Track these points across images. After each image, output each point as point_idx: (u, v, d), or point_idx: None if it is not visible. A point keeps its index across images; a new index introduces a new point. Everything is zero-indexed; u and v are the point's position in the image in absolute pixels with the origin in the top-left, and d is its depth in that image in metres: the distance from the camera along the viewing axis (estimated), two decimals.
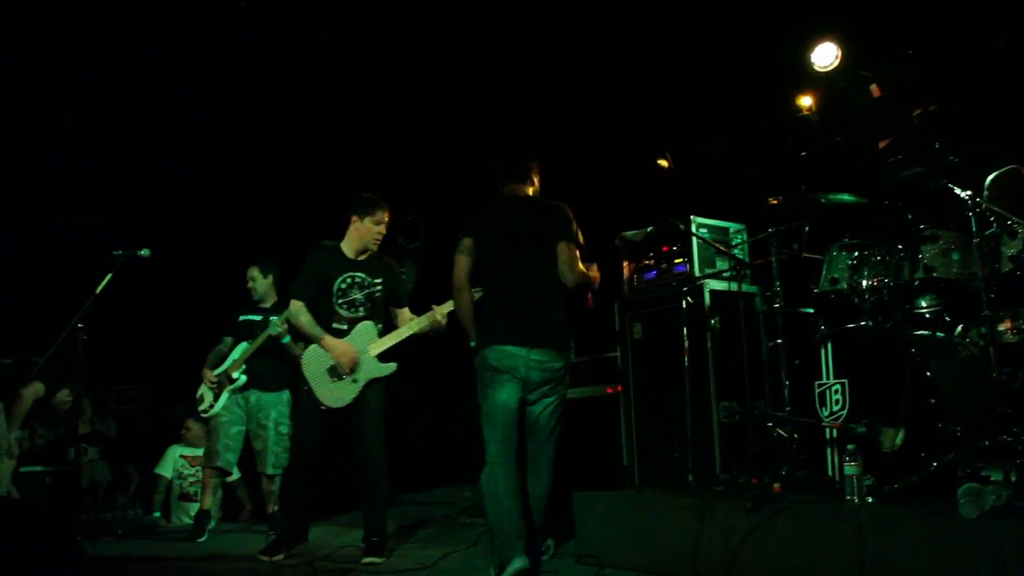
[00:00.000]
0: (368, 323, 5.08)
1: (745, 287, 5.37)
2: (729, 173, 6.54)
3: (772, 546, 3.60)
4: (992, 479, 3.40)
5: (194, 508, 7.45)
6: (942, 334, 4.17)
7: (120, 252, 5.40)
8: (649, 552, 4.16)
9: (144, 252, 5.60)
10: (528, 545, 4.03)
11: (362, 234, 5.15)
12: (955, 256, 4.16)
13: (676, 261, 5.83)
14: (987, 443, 3.52)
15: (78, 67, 6.89)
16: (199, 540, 5.98)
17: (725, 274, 5.57)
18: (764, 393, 4.75)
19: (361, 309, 5.10)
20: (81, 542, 5.50)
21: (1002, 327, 4.05)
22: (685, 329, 5.12)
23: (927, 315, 4.30)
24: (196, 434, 7.64)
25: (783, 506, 3.68)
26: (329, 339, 5.00)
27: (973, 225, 3.79)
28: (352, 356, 4.99)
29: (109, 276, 5.28)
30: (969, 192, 3.81)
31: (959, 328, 4.25)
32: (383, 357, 5.10)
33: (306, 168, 8.48)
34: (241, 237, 8.12)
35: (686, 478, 4.82)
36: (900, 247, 4.29)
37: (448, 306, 4.92)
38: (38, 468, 6.61)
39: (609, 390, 6.18)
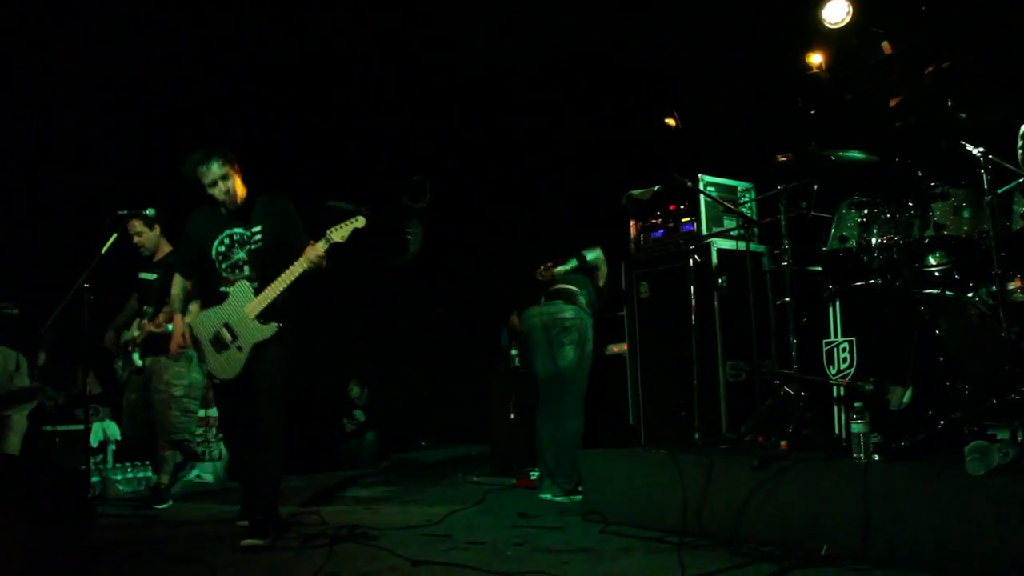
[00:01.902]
0: (243, 284, 4.45)
1: (752, 246, 5.34)
2: (737, 132, 6.49)
3: (778, 503, 3.61)
4: (999, 437, 3.39)
5: (203, 467, 7.52)
6: (951, 292, 4.14)
7: (125, 212, 5.38)
8: (655, 509, 4.17)
9: (149, 211, 5.59)
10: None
11: (209, 191, 4.49)
12: (966, 214, 4.11)
13: (683, 220, 5.81)
14: (995, 401, 3.51)
15: (85, 22, 6.82)
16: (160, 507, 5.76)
17: (732, 233, 5.54)
18: (771, 352, 4.75)
19: (247, 268, 4.49)
20: (92, 501, 5.56)
21: (1012, 286, 4.03)
22: (692, 288, 5.10)
23: (936, 273, 4.27)
24: (210, 396, 7.69)
25: (790, 463, 3.68)
26: (176, 317, 4.70)
27: (984, 182, 3.75)
28: (178, 340, 4.65)
29: (115, 236, 5.26)
30: (981, 148, 3.76)
31: (969, 286, 4.22)
32: (277, 317, 4.44)
33: (311, 130, 8.43)
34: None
35: (692, 436, 4.83)
36: (910, 204, 4.25)
37: (337, 233, 4.43)
38: (47, 428, 6.65)
39: (616, 349, 6.19)
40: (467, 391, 8.62)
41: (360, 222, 4.40)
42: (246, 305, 4.41)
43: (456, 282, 9.48)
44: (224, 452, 7.71)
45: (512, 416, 6.65)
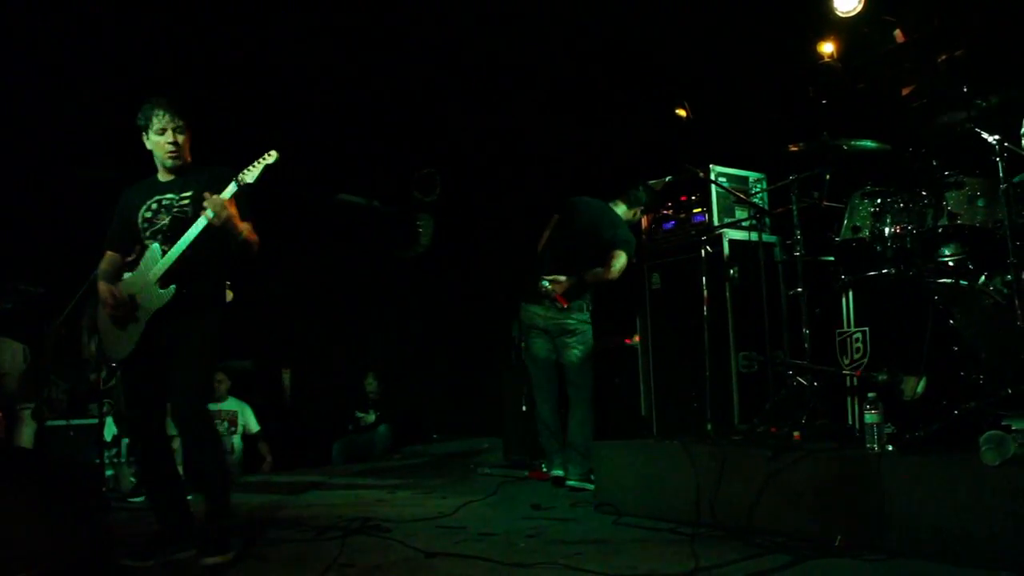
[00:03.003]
0: (152, 247, 3.83)
1: (765, 237, 5.32)
2: (749, 122, 6.45)
3: (791, 494, 3.60)
4: (1014, 427, 3.37)
5: None
6: (966, 282, 4.12)
7: None
8: (667, 501, 4.17)
9: None
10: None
11: (154, 151, 3.95)
12: (980, 203, 4.08)
13: (695, 211, 5.79)
14: (1010, 391, 3.50)
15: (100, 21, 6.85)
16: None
17: (744, 223, 5.52)
18: (783, 342, 4.73)
19: (171, 235, 3.85)
20: (106, 494, 5.59)
21: None
22: (704, 279, 5.09)
23: (951, 263, 4.24)
24: (223, 389, 7.74)
25: (803, 454, 3.67)
26: (101, 284, 3.95)
27: (1000, 171, 3.72)
28: (108, 303, 3.86)
29: None
30: (997, 137, 3.73)
31: (983, 276, 4.19)
32: (182, 281, 3.79)
33: (322, 124, 8.43)
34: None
35: (704, 427, 4.82)
36: (924, 194, 4.22)
37: (249, 175, 3.82)
38: (60, 422, 6.69)
39: (627, 340, 6.18)
40: (479, 383, 8.63)
41: (272, 157, 3.83)
42: (152, 269, 3.81)
43: (467, 275, 9.49)
44: (235, 445, 7.75)
45: (524, 408, 6.65)
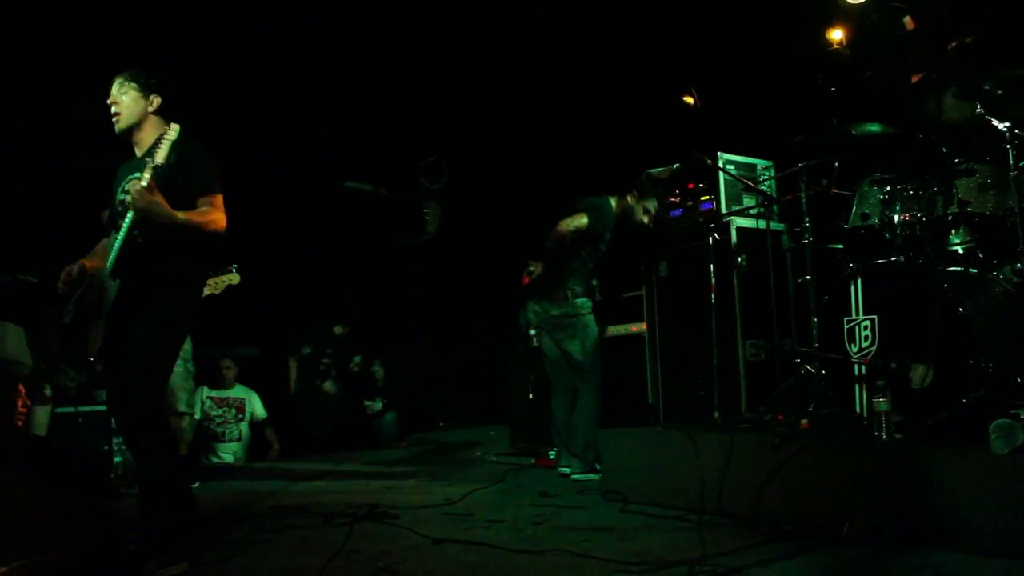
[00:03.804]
0: (113, 237, 3.53)
1: (773, 224, 5.30)
2: (756, 109, 6.42)
3: (799, 482, 3.60)
4: (1023, 416, 3.36)
5: (222, 448, 7.58)
6: (975, 270, 4.09)
7: None
8: (674, 489, 4.17)
9: None
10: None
11: None
12: (991, 190, 4.07)
13: (702, 198, 5.78)
14: (1019, 380, 3.49)
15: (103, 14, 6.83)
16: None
17: (752, 211, 5.50)
18: (791, 330, 4.72)
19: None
20: (113, 480, 5.61)
21: None
22: (711, 267, 5.08)
23: (960, 251, 4.21)
24: (231, 376, 7.76)
25: (810, 442, 3.66)
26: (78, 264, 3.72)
27: (1011, 158, 3.70)
28: (64, 275, 3.63)
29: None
30: (1007, 124, 3.71)
31: (993, 264, 4.17)
32: (127, 275, 3.48)
33: (328, 111, 8.42)
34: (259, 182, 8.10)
35: (712, 415, 4.81)
36: (933, 181, 4.20)
37: (159, 154, 3.40)
38: (69, 409, 6.70)
39: (634, 328, 6.17)
40: (486, 371, 8.63)
41: (173, 132, 3.47)
42: (106, 261, 3.55)
43: (474, 262, 9.49)
44: (243, 432, 7.77)
45: (531, 396, 6.66)
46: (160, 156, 3.38)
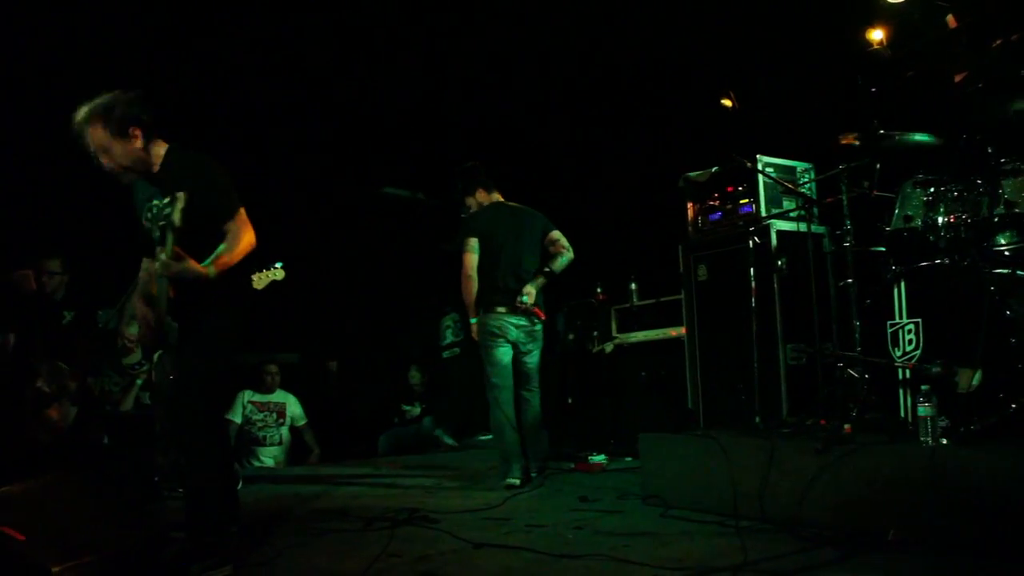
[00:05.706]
0: (159, 279, 3.40)
1: (813, 227, 5.25)
2: (796, 111, 6.37)
3: (842, 488, 3.56)
4: None
5: (263, 452, 7.66)
6: (1023, 272, 4.03)
7: None
8: (715, 493, 4.13)
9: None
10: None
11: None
12: None
13: (742, 202, 5.73)
14: None
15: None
16: None
17: (792, 214, 5.45)
18: (833, 334, 4.67)
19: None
20: (158, 483, 5.69)
21: None
22: (751, 270, 5.05)
23: (1007, 252, 4.14)
24: (275, 382, 7.85)
25: (854, 447, 3.62)
26: (138, 302, 3.75)
27: None
28: (145, 328, 3.69)
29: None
30: None
31: None
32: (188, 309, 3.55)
33: (367, 118, 8.49)
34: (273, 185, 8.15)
35: (752, 420, 4.78)
36: (979, 182, 4.14)
37: (175, 212, 3.26)
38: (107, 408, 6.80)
39: (673, 333, 6.14)
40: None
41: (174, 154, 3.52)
42: (159, 303, 3.48)
43: None
44: (284, 436, 7.85)
45: (570, 400, 6.65)
46: (176, 216, 3.25)
